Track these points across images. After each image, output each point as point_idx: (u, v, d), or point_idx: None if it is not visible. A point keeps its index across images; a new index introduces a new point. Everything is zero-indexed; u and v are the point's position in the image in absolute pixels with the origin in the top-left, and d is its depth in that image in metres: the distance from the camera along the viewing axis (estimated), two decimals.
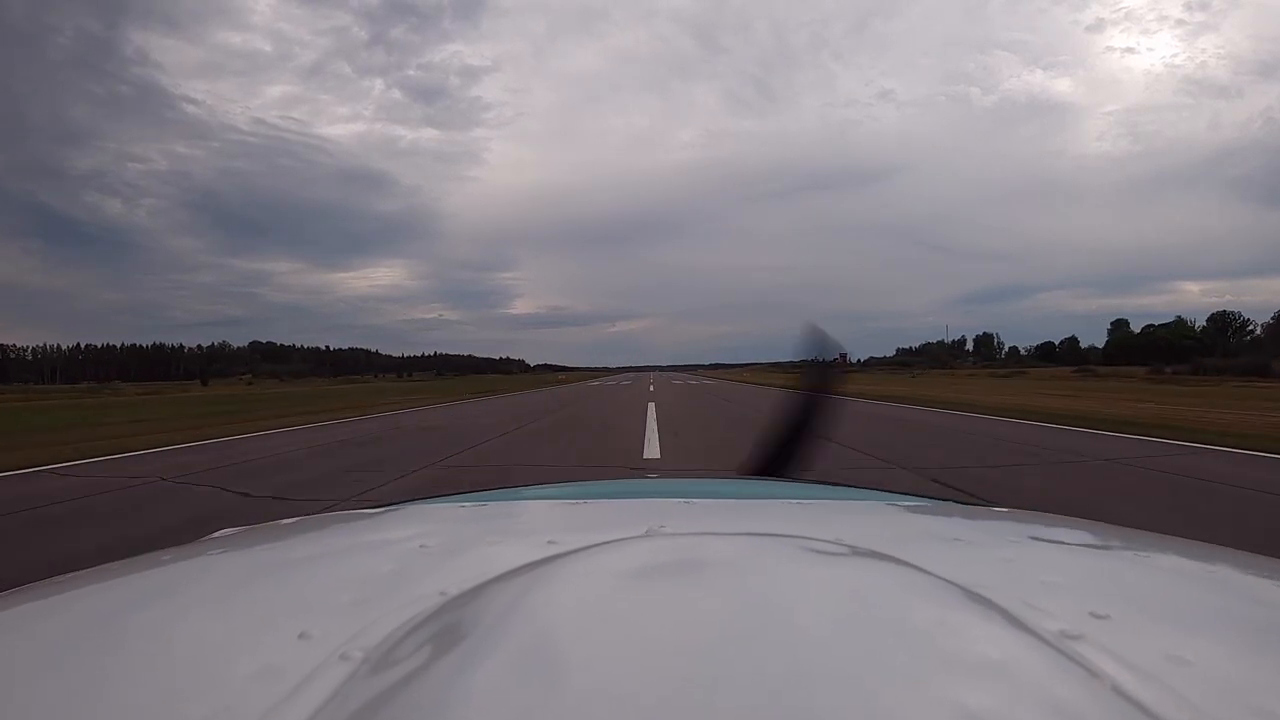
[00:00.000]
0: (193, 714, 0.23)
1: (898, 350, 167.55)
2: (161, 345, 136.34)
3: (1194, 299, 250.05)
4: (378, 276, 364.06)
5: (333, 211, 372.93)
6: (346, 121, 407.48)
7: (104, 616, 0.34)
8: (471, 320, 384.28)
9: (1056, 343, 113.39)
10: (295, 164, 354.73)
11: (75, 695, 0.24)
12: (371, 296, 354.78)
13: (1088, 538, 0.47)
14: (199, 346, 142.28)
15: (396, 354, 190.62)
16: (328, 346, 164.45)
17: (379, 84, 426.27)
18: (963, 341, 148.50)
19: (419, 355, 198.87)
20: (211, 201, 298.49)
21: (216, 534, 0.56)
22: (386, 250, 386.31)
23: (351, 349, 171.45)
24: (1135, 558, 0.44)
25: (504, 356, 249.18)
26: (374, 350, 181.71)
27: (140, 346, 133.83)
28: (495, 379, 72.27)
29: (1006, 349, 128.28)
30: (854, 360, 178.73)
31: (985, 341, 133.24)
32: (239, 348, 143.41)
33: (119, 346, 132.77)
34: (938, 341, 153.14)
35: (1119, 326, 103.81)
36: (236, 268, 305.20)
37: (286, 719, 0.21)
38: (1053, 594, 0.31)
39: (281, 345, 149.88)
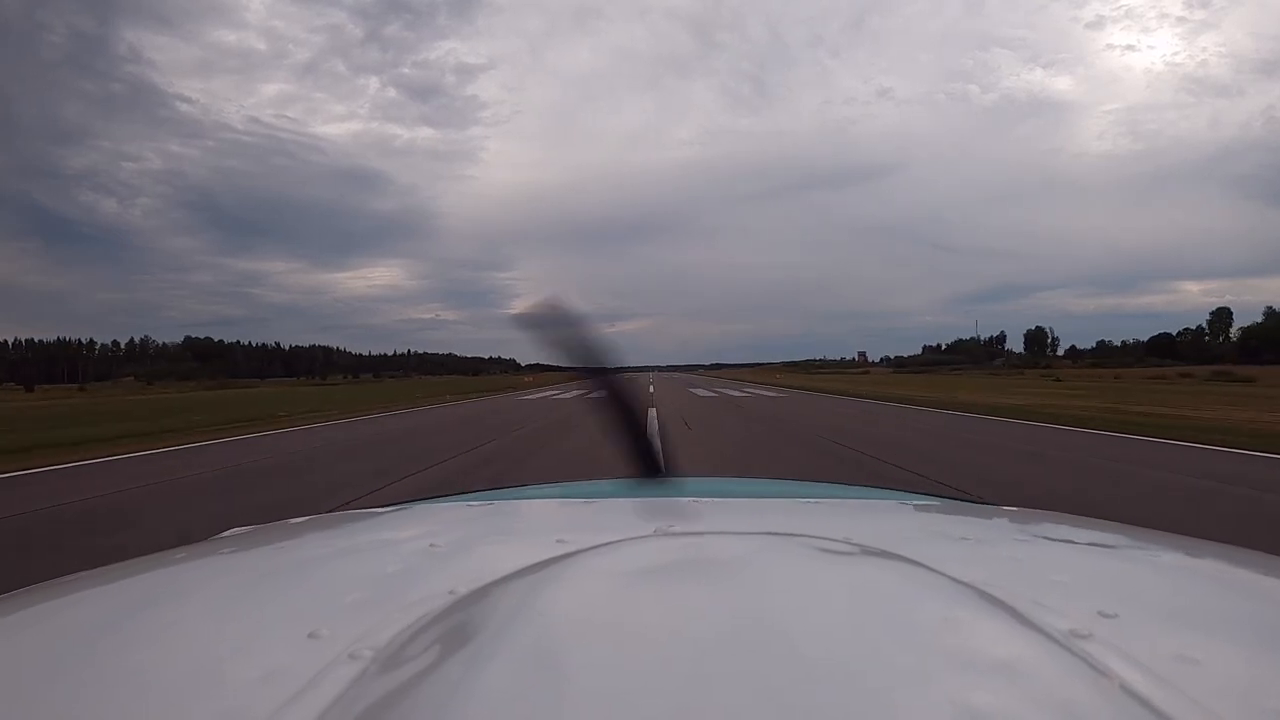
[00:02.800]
0: (201, 714, 0.23)
1: (924, 348, 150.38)
2: (65, 341, 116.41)
3: (1194, 298, 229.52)
4: (375, 276, 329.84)
5: (329, 211, 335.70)
6: (342, 120, 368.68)
7: (112, 616, 0.34)
8: (469, 320, 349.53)
9: (1174, 333, 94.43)
10: (291, 163, 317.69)
11: (83, 696, 0.24)
12: (369, 297, 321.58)
13: (1096, 537, 0.46)
14: (114, 343, 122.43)
15: (362, 352, 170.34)
16: (277, 344, 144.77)
17: (374, 82, 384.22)
18: (1002, 338, 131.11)
19: (388, 354, 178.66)
20: (206, 201, 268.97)
21: (225, 533, 0.56)
22: (384, 250, 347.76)
23: (311, 346, 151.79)
24: (1144, 557, 0.44)
25: (493, 356, 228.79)
26: (337, 348, 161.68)
27: (42, 343, 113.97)
28: (441, 382, 54.47)
29: (1088, 346, 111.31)
30: (873, 359, 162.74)
31: (1038, 338, 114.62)
32: (165, 344, 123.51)
33: (9, 343, 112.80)
34: (971, 338, 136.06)
35: (1220, 316, 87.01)
36: (233, 267, 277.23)
37: (294, 719, 0.21)
38: (1061, 593, 0.31)
39: (219, 342, 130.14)
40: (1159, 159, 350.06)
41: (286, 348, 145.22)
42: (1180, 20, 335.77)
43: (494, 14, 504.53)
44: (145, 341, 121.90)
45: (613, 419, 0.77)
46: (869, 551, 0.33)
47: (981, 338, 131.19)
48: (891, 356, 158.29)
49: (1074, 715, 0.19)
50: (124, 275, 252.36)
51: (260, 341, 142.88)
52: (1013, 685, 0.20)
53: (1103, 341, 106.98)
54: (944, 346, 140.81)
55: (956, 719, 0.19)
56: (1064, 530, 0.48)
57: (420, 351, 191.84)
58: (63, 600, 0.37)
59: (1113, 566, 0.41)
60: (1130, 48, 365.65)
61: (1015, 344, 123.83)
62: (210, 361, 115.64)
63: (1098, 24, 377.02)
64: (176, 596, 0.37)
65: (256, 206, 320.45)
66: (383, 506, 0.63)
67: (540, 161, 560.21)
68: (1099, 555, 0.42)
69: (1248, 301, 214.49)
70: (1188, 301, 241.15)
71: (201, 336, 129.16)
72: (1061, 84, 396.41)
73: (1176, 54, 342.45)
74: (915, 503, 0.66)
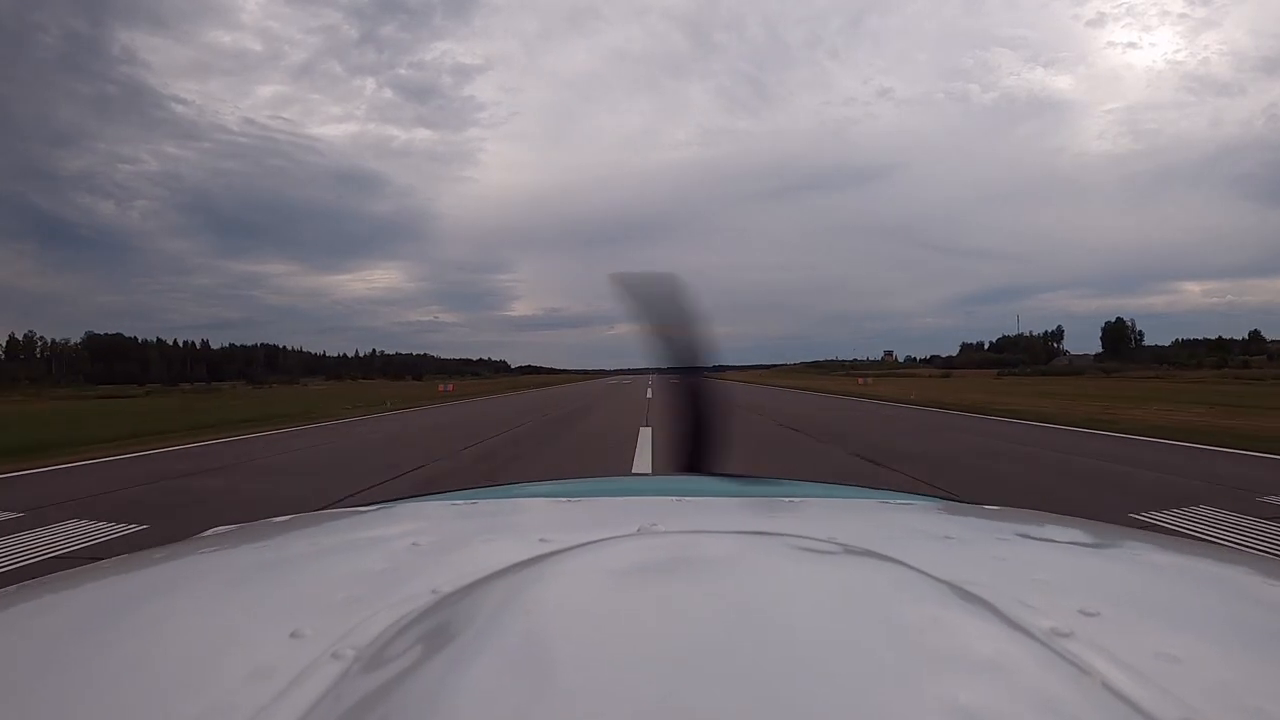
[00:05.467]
0: (184, 713, 0.22)
1: (962, 346, 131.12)
2: None
3: (1194, 299, 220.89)
4: (374, 279, 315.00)
5: (327, 213, 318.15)
6: (339, 122, 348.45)
7: (95, 616, 0.34)
8: (467, 323, 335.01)
9: None
10: (288, 165, 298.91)
11: (66, 695, 0.24)
12: (369, 299, 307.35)
13: (1079, 536, 0.47)
14: None
15: (318, 351, 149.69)
16: (206, 341, 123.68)
17: (370, 83, 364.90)
18: (1059, 334, 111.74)
19: (350, 355, 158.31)
20: (204, 203, 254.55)
21: (208, 532, 0.56)
22: (383, 253, 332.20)
23: (250, 346, 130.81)
24: (1126, 556, 0.44)
25: (482, 358, 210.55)
26: (284, 347, 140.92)
27: None
28: (334, 393, 35.19)
29: (1147, 343, 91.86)
30: (903, 357, 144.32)
31: (1117, 332, 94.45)
32: (57, 341, 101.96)
33: None
34: (1020, 334, 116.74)
35: None
36: (231, 270, 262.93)
37: (278, 718, 0.21)
38: (1044, 592, 0.31)
39: (133, 339, 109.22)
40: (1160, 158, 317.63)
41: (219, 346, 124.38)
42: (1182, 17, 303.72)
43: (490, 14, 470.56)
44: (30, 338, 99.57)
45: (684, 412, 0.81)
46: (852, 551, 0.33)
47: (1031, 333, 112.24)
48: (922, 356, 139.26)
49: (1056, 713, 0.19)
50: (125, 278, 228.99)
51: (186, 340, 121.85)
52: (995, 683, 0.21)
53: (1256, 332, 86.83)
54: (987, 345, 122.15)
55: (940, 717, 0.19)
56: (1046, 529, 0.48)
57: (389, 352, 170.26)
58: (44, 600, 0.37)
59: (1095, 565, 0.41)
60: (1131, 45, 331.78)
61: (1075, 343, 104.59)
62: (110, 363, 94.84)
63: (1098, 21, 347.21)
64: (159, 595, 0.37)
65: (254, 209, 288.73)
66: (365, 505, 0.63)
67: (538, 163, 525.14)
68: (1081, 554, 0.43)
69: (1248, 302, 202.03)
70: (1189, 302, 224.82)
71: (107, 333, 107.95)
72: (1062, 83, 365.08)
73: (1178, 52, 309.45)
74: (899, 502, 0.66)
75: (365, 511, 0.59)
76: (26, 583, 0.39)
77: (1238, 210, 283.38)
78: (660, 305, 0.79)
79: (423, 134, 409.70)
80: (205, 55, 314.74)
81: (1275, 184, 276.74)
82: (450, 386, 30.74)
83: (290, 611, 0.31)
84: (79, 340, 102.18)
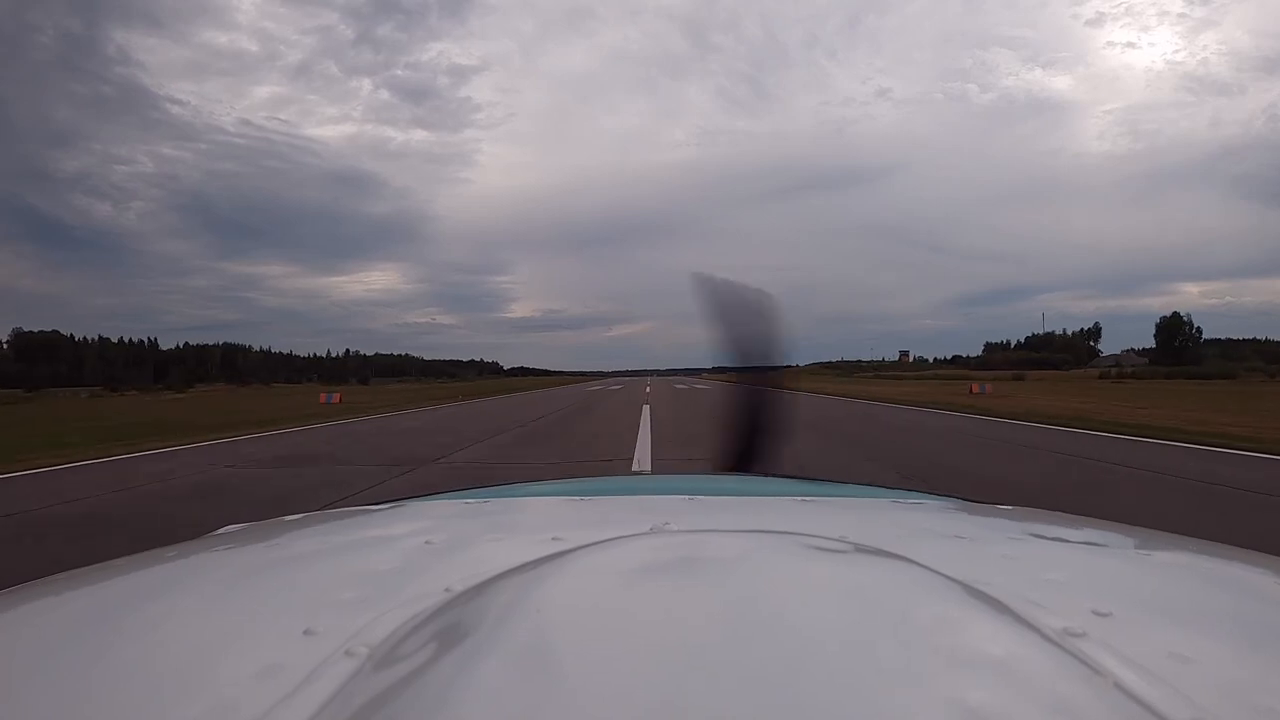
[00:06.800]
0: (196, 710, 0.22)
1: (986, 346, 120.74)
2: None
3: (1193, 299, 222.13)
4: (372, 280, 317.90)
5: (325, 215, 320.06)
6: (335, 123, 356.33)
7: (108, 613, 0.34)
8: (466, 324, 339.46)
9: None
10: (285, 166, 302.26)
11: (78, 692, 0.24)
12: (367, 300, 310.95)
13: (1090, 535, 0.46)
14: None
15: (284, 351, 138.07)
16: (154, 340, 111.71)
17: (367, 84, 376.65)
18: (1096, 332, 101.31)
19: (322, 355, 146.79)
20: (200, 204, 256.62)
21: (220, 530, 0.56)
22: (381, 254, 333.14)
23: (203, 346, 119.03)
24: (1138, 556, 0.44)
25: (475, 359, 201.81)
26: (251, 347, 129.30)
27: None
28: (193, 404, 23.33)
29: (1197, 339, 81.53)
30: (914, 358, 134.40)
31: (1173, 328, 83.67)
32: None
33: None
34: (1051, 332, 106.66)
35: None
36: (229, 271, 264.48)
37: (290, 715, 0.21)
38: (1055, 591, 0.31)
39: (69, 337, 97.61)
40: (1159, 158, 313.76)
41: (179, 345, 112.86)
42: (1181, 17, 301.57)
43: (486, 14, 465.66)
44: None
45: (741, 411, 0.81)
46: (864, 550, 0.33)
47: (1066, 332, 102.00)
48: (936, 356, 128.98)
49: (1068, 713, 0.19)
50: (124, 279, 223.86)
51: (136, 339, 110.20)
52: (1007, 683, 0.20)
53: None
54: (1012, 343, 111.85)
55: (951, 717, 0.19)
56: (1058, 529, 0.48)
57: (368, 353, 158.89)
58: (58, 598, 0.37)
59: (1107, 565, 0.41)
60: (1130, 45, 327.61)
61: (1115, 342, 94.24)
62: (36, 363, 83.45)
63: (1097, 21, 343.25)
64: (172, 593, 0.37)
65: (251, 210, 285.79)
66: (377, 504, 0.64)
67: (536, 164, 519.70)
68: (1093, 554, 0.43)
69: (1247, 303, 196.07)
70: (1187, 302, 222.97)
71: (41, 330, 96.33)
72: (1061, 83, 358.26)
73: (1177, 52, 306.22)
74: (910, 501, 0.66)
75: (377, 510, 0.59)
76: (36, 581, 0.40)
77: (1237, 210, 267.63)
78: (737, 309, 0.82)
79: (419, 135, 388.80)
80: (201, 56, 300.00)
81: (1275, 184, 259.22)
82: (336, 398, 19.63)
83: (303, 609, 0.31)
84: (6, 338, 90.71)
